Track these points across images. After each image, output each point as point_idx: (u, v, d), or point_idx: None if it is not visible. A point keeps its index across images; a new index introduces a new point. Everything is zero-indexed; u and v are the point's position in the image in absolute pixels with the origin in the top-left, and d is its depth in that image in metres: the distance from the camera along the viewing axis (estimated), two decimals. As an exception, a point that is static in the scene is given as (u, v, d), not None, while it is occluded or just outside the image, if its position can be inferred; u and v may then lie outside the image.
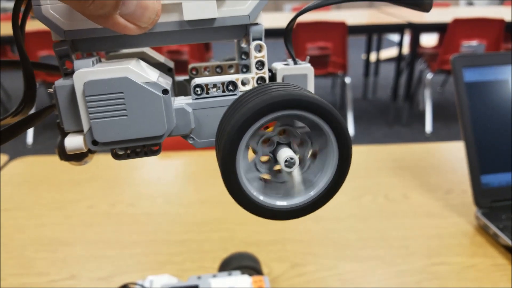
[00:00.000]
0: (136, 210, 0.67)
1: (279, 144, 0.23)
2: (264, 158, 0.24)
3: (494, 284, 0.50)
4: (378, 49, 3.58)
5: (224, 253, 0.52)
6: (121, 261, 0.55)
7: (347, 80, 2.66)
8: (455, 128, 2.72)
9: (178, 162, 0.84)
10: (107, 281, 0.52)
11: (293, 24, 0.24)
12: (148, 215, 0.65)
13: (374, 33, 3.35)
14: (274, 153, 0.23)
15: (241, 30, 0.25)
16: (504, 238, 0.54)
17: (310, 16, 2.51)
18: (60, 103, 0.22)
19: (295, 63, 0.25)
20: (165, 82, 0.23)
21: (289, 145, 0.23)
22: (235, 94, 0.24)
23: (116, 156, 0.24)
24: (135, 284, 0.42)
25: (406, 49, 2.99)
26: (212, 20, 0.23)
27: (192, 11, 0.23)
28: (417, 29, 2.61)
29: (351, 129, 2.70)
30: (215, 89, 0.24)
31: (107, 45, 0.24)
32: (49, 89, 0.23)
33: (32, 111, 0.24)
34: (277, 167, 0.24)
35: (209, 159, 0.80)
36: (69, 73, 0.23)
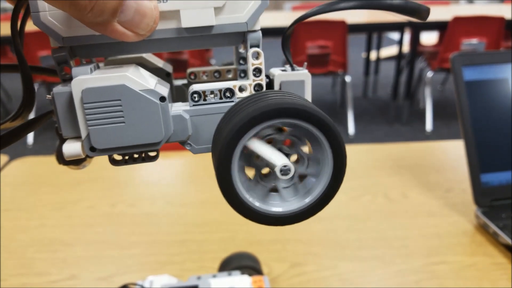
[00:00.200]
0: (136, 211, 0.67)
1: (279, 151, 0.23)
2: (265, 171, 0.24)
3: (493, 283, 0.50)
4: (378, 47, 3.58)
5: (224, 253, 0.52)
6: (121, 261, 0.55)
7: (347, 78, 2.66)
8: (455, 126, 2.72)
9: (179, 163, 0.84)
10: (107, 281, 0.52)
11: (291, 31, 0.25)
12: (148, 215, 0.65)
13: (374, 32, 3.35)
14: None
15: (239, 36, 0.25)
16: (504, 237, 0.54)
17: (310, 15, 2.51)
18: (58, 109, 0.23)
19: (293, 69, 0.25)
20: (163, 89, 0.23)
21: (280, 150, 0.23)
22: (232, 101, 0.24)
23: (114, 162, 0.24)
24: (135, 284, 0.43)
25: (406, 48, 2.98)
26: (210, 27, 0.23)
27: (190, 19, 0.23)
28: (417, 28, 2.61)
29: (351, 127, 2.70)
30: (212, 96, 0.24)
31: (106, 51, 0.24)
32: (48, 96, 0.23)
33: (32, 114, 0.24)
34: (265, 171, 0.24)
35: (209, 159, 0.79)
36: (68, 79, 0.23)
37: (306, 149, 0.24)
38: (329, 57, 2.47)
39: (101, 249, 0.58)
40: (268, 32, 1.94)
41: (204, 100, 0.24)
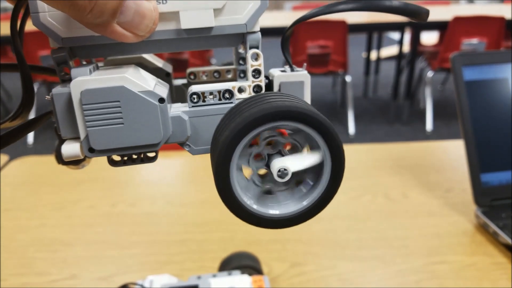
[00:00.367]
0: (136, 211, 0.67)
1: (270, 155, 0.23)
2: (262, 172, 0.24)
3: (493, 282, 0.50)
4: (379, 47, 3.58)
5: (224, 253, 0.52)
6: (122, 261, 0.55)
7: (348, 78, 2.65)
8: (455, 126, 2.72)
9: (179, 162, 0.84)
10: (107, 281, 0.52)
11: (290, 32, 0.25)
12: (149, 215, 0.65)
13: (374, 32, 3.35)
14: (268, 165, 0.23)
15: (238, 38, 0.25)
16: (504, 237, 0.54)
17: (310, 14, 2.51)
18: (57, 110, 0.23)
19: (292, 70, 0.25)
20: (162, 90, 0.23)
21: (280, 153, 0.23)
22: (232, 102, 0.24)
23: (113, 163, 0.24)
24: (135, 284, 0.43)
25: (406, 47, 2.98)
26: (209, 28, 0.23)
27: (189, 20, 0.23)
28: (417, 27, 2.61)
29: (351, 127, 2.70)
30: (211, 97, 0.24)
31: (105, 52, 0.24)
32: (47, 96, 0.23)
33: (32, 113, 0.24)
34: (262, 172, 0.24)
35: (210, 159, 0.80)
36: (67, 80, 0.23)
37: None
38: (329, 57, 2.47)
39: (101, 249, 0.58)
40: (268, 32, 1.95)
41: (203, 101, 0.24)
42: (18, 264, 0.55)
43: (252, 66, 0.24)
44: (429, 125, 2.68)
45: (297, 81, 0.25)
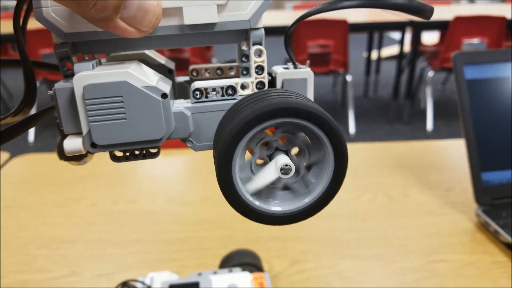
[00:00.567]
0: (137, 208, 0.67)
1: (277, 150, 0.23)
2: (260, 161, 0.24)
3: (494, 281, 0.50)
4: (379, 47, 3.57)
5: (225, 250, 0.52)
6: (122, 258, 0.56)
7: (348, 78, 2.65)
8: (456, 126, 2.72)
9: (180, 160, 0.84)
10: (108, 278, 0.52)
11: (293, 29, 0.25)
12: (150, 213, 0.65)
13: (375, 31, 3.34)
14: (271, 158, 0.23)
15: (242, 34, 0.25)
16: (504, 235, 0.54)
17: (311, 14, 2.50)
18: (59, 105, 0.23)
19: (295, 67, 0.25)
20: (165, 85, 0.23)
21: (286, 152, 0.23)
22: (234, 99, 0.24)
23: (115, 159, 0.24)
24: (135, 280, 0.43)
25: (407, 47, 2.98)
26: (213, 24, 0.23)
27: (193, 16, 0.23)
28: (418, 27, 2.60)
29: (352, 127, 2.70)
30: (214, 93, 0.24)
31: (108, 47, 0.24)
32: (49, 91, 0.23)
33: (33, 110, 0.25)
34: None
35: (211, 157, 0.79)
36: (70, 75, 0.23)
37: (303, 140, 0.24)
38: (330, 56, 2.47)
39: (102, 247, 0.58)
40: (269, 31, 1.95)
41: (206, 97, 0.24)
42: (19, 261, 0.55)
43: (255, 62, 0.24)
44: (429, 125, 2.68)
45: (300, 78, 0.25)
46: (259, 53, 0.24)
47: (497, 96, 0.61)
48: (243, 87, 0.24)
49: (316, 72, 2.51)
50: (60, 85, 0.22)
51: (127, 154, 0.24)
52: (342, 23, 2.38)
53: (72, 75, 0.22)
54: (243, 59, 0.26)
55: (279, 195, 0.24)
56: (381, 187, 0.70)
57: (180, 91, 0.32)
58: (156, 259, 0.55)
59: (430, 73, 2.66)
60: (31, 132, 2.64)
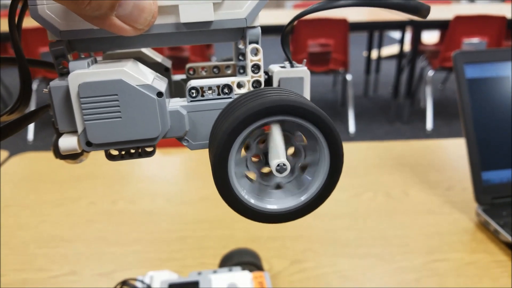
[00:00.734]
0: (136, 208, 0.67)
1: (266, 154, 0.23)
2: (255, 159, 0.24)
3: (494, 280, 0.50)
4: (379, 46, 3.57)
5: (225, 249, 0.52)
6: (122, 257, 0.55)
7: (348, 77, 2.65)
8: (455, 125, 2.72)
9: (179, 159, 0.84)
10: (107, 277, 0.52)
11: (290, 27, 0.24)
12: (149, 212, 0.65)
13: (375, 30, 3.34)
14: (266, 156, 0.23)
15: (238, 32, 0.25)
16: (504, 235, 0.54)
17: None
18: (55, 103, 0.22)
19: (292, 66, 0.25)
20: (160, 84, 0.23)
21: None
22: (230, 97, 0.24)
23: (110, 157, 0.24)
24: (135, 279, 0.43)
25: (407, 47, 2.98)
26: (209, 23, 0.23)
27: (189, 14, 0.23)
28: (418, 26, 2.60)
29: (352, 126, 2.70)
30: (210, 92, 0.24)
31: (104, 45, 0.24)
32: (44, 89, 0.23)
33: (32, 107, 0.24)
34: (265, 170, 0.24)
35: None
36: (65, 73, 0.23)
37: (300, 140, 0.24)
38: (330, 55, 2.46)
39: (101, 246, 0.58)
40: (269, 30, 1.95)
41: (202, 96, 0.24)
42: (19, 260, 0.55)
43: (251, 61, 0.24)
44: (429, 124, 2.68)
45: (297, 77, 0.25)
46: (255, 52, 0.24)
47: (498, 96, 0.61)
48: (239, 85, 0.24)
49: (316, 71, 2.52)
50: (55, 83, 0.22)
51: (123, 152, 0.24)
52: (342, 22, 2.38)
53: (68, 73, 0.22)
54: (240, 57, 0.26)
55: (274, 194, 0.24)
56: (381, 186, 0.70)
57: (177, 90, 0.32)
58: (155, 258, 0.55)
59: (430, 73, 2.66)
60: (30, 131, 2.64)
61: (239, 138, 0.21)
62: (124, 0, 0.19)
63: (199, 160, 0.82)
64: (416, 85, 2.96)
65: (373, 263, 0.53)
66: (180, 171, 0.81)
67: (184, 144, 0.25)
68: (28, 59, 0.25)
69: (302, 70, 0.25)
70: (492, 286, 0.49)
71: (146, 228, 0.61)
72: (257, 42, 0.24)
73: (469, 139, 0.60)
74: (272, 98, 0.21)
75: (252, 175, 0.24)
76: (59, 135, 0.23)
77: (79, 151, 0.23)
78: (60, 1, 0.19)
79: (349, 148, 0.86)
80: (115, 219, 0.64)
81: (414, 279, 0.51)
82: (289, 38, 0.25)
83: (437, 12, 2.76)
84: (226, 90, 0.24)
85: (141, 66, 0.24)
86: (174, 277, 0.43)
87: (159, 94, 0.22)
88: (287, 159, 0.23)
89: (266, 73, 0.25)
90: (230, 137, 0.21)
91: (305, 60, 0.26)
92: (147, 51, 0.30)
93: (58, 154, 0.27)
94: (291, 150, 0.24)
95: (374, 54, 3.53)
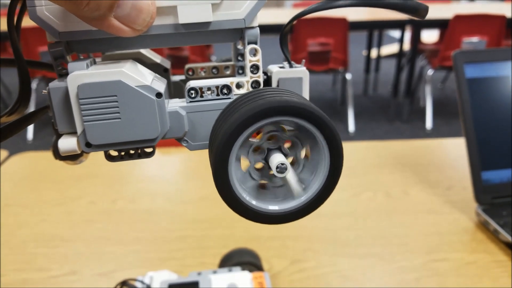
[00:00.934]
0: (136, 207, 0.67)
1: (270, 150, 0.23)
2: (259, 165, 0.24)
3: (494, 280, 0.50)
4: (379, 45, 3.57)
5: (224, 249, 0.52)
6: (122, 257, 0.55)
7: (348, 76, 2.65)
8: (455, 124, 2.72)
9: (179, 159, 0.84)
10: (107, 277, 0.52)
11: (288, 28, 0.25)
12: (148, 212, 0.65)
13: (375, 29, 3.34)
14: (266, 159, 0.23)
15: (237, 33, 0.25)
16: (504, 235, 0.54)
17: (310, 12, 2.50)
18: (54, 104, 0.22)
19: (291, 66, 0.25)
20: (160, 85, 0.23)
21: (280, 149, 0.23)
22: (229, 98, 0.24)
23: (110, 158, 0.24)
24: (135, 279, 0.43)
25: (407, 46, 2.98)
26: (207, 23, 0.23)
27: (187, 15, 0.23)
28: (418, 26, 2.60)
29: (351, 125, 2.70)
30: (209, 92, 0.24)
31: (102, 46, 0.24)
32: (44, 91, 0.23)
33: (31, 107, 0.24)
34: (271, 172, 0.24)
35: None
36: (64, 74, 0.23)
37: (303, 154, 0.24)
38: (330, 55, 2.46)
39: (101, 245, 0.58)
40: (269, 29, 1.94)
41: (201, 96, 0.24)
42: (18, 259, 0.55)
43: (250, 61, 0.24)
44: (429, 123, 2.68)
45: (296, 77, 0.25)
46: (254, 52, 0.24)
47: (498, 95, 0.61)
48: (238, 86, 0.24)
49: (315, 70, 2.51)
50: (54, 84, 0.22)
51: (122, 153, 0.24)
52: (342, 21, 2.38)
53: (67, 74, 0.22)
54: (239, 58, 0.26)
55: (275, 194, 0.24)
56: (381, 185, 0.70)
57: (176, 90, 0.32)
58: (155, 258, 0.55)
59: (430, 72, 2.66)
60: (30, 130, 2.64)
61: (240, 139, 0.21)
62: (122, 1, 0.19)
63: (199, 160, 0.82)
64: (416, 84, 2.96)
65: (373, 262, 0.53)
66: (180, 170, 0.81)
67: (184, 144, 0.25)
68: (27, 60, 0.25)
69: (301, 71, 0.25)
70: (492, 286, 0.49)
71: (146, 227, 0.61)
72: (255, 43, 0.24)
73: (469, 139, 0.60)
74: (272, 99, 0.21)
75: (246, 164, 0.24)
76: (59, 136, 0.23)
77: (79, 152, 0.23)
78: (59, 2, 0.19)
79: (348, 148, 0.86)
80: (115, 218, 0.64)
81: (414, 278, 0.51)
82: (287, 38, 0.25)
83: (437, 11, 2.76)
84: (225, 91, 0.24)
85: (140, 67, 0.24)
86: (174, 277, 0.43)
87: (158, 95, 0.22)
88: (286, 154, 0.23)
89: (265, 73, 0.25)
90: (230, 138, 0.21)
91: (304, 60, 0.26)
92: (146, 52, 0.30)
93: (58, 155, 0.27)
94: (289, 160, 0.24)
95: (374, 53, 3.53)
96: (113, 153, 0.24)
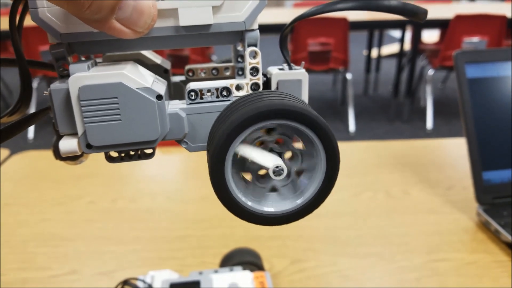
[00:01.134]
0: (137, 206, 0.67)
1: (271, 151, 0.23)
2: (262, 172, 0.24)
3: (494, 280, 0.50)
4: (380, 45, 3.57)
5: (225, 249, 0.52)
6: (122, 256, 0.55)
7: (348, 76, 2.65)
8: (455, 124, 2.72)
9: (179, 158, 0.84)
10: (108, 276, 0.52)
11: (288, 30, 0.25)
12: (149, 211, 0.65)
13: (375, 29, 3.34)
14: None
15: (237, 35, 0.25)
16: (505, 235, 0.54)
17: (311, 11, 2.50)
18: (55, 106, 0.23)
19: (290, 68, 0.25)
20: (160, 86, 0.23)
21: (280, 155, 0.24)
22: (229, 100, 0.24)
23: (110, 159, 0.24)
24: (136, 279, 0.43)
25: (407, 45, 2.98)
26: (208, 26, 0.23)
27: (188, 17, 0.23)
28: (418, 25, 2.60)
29: (352, 125, 2.69)
30: (209, 94, 0.24)
31: (103, 48, 0.24)
32: (45, 92, 0.23)
33: (32, 108, 0.24)
34: (261, 172, 0.24)
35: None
36: (66, 75, 0.23)
37: (298, 145, 0.24)
38: (330, 54, 2.46)
39: (102, 245, 0.58)
40: (269, 29, 1.94)
41: (201, 98, 0.24)
42: (19, 259, 0.55)
43: (250, 64, 0.24)
44: (429, 123, 2.68)
45: (295, 80, 0.25)
46: (254, 55, 0.24)
47: (499, 95, 0.61)
48: (238, 88, 0.25)
49: (316, 70, 2.51)
50: (56, 86, 0.22)
51: (122, 155, 0.25)
52: (343, 21, 2.38)
53: (68, 75, 0.22)
54: (239, 59, 0.26)
55: (271, 196, 0.24)
56: (381, 185, 0.70)
57: (176, 91, 0.32)
58: (156, 257, 0.55)
59: (430, 72, 2.66)
60: (31, 129, 2.64)
61: (236, 141, 0.21)
62: (123, 3, 0.19)
63: (200, 159, 0.82)
64: (416, 84, 2.96)
65: (373, 262, 0.53)
66: (180, 170, 0.81)
67: (183, 146, 0.25)
68: (28, 60, 0.25)
69: (300, 73, 0.25)
70: (492, 286, 0.49)
71: (146, 226, 0.61)
72: (255, 45, 0.24)
73: (470, 139, 0.60)
74: (269, 102, 0.21)
75: (249, 177, 0.24)
76: (59, 137, 0.23)
77: (79, 153, 0.23)
78: (60, 4, 0.19)
79: (349, 147, 0.86)
80: (115, 218, 0.64)
81: (414, 278, 0.51)
82: (287, 41, 0.25)
83: (437, 11, 2.76)
84: (225, 93, 0.24)
85: (141, 69, 0.24)
86: (175, 277, 0.43)
87: (159, 97, 0.22)
88: (284, 163, 0.23)
89: (264, 75, 0.26)
90: (227, 141, 0.21)
91: (303, 62, 0.26)
92: (147, 52, 0.30)
93: (58, 156, 0.27)
94: (288, 154, 0.24)
95: (374, 53, 3.53)
96: (113, 154, 0.25)
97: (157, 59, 0.31)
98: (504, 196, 0.60)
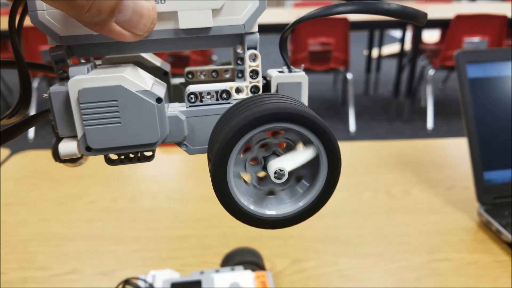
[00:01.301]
0: (137, 206, 0.67)
1: (266, 157, 0.23)
2: (252, 162, 0.24)
3: (495, 280, 0.50)
4: (380, 45, 3.57)
5: (226, 248, 0.52)
6: (123, 256, 0.55)
7: (349, 76, 2.65)
8: (456, 124, 2.72)
9: (179, 158, 0.84)
10: (109, 276, 0.52)
11: (288, 33, 0.25)
12: (149, 211, 0.65)
13: (376, 29, 3.34)
14: (265, 160, 0.23)
15: (237, 38, 0.25)
16: (506, 235, 0.54)
17: (312, 11, 2.50)
18: (54, 108, 0.23)
19: (290, 70, 0.25)
20: (159, 89, 0.23)
21: (275, 153, 0.24)
22: (229, 103, 0.24)
23: (110, 162, 0.25)
24: (137, 278, 0.43)
25: (408, 45, 2.98)
26: (208, 29, 0.23)
27: (188, 20, 0.23)
28: (419, 26, 2.60)
29: (352, 125, 2.69)
30: (209, 97, 0.24)
31: (103, 51, 0.24)
32: (44, 94, 0.23)
33: (32, 109, 0.24)
34: (261, 174, 0.24)
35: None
36: (65, 78, 0.23)
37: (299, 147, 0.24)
38: (331, 54, 2.46)
39: (102, 244, 0.58)
40: (270, 29, 1.94)
41: (201, 101, 0.24)
42: (19, 258, 0.55)
43: (250, 66, 0.24)
44: (429, 123, 2.68)
45: (295, 82, 0.25)
46: (253, 58, 0.24)
47: (500, 95, 0.61)
48: (238, 91, 0.25)
49: (316, 70, 2.51)
50: (55, 88, 0.22)
51: (122, 157, 0.25)
52: (343, 21, 2.38)
53: (68, 78, 0.22)
54: (238, 62, 0.26)
55: (273, 199, 0.24)
56: (381, 185, 0.70)
57: (176, 93, 0.32)
58: (157, 257, 0.55)
59: (431, 72, 2.66)
60: (31, 129, 2.64)
61: (238, 145, 0.21)
62: (123, 6, 0.19)
63: (200, 159, 0.82)
64: (417, 84, 2.96)
65: (374, 262, 0.53)
66: (181, 169, 0.81)
67: (183, 149, 0.25)
68: (28, 62, 0.25)
69: (299, 75, 0.25)
70: (493, 286, 0.49)
71: (147, 226, 0.61)
72: (255, 48, 0.24)
73: (471, 139, 0.60)
74: (270, 106, 0.21)
75: (249, 179, 0.24)
76: (59, 139, 0.23)
77: (79, 156, 0.23)
78: (60, 7, 0.19)
79: (349, 147, 0.86)
80: (116, 217, 0.64)
81: (414, 278, 0.51)
82: (287, 43, 0.25)
83: (438, 11, 2.76)
84: (224, 96, 0.24)
85: (141, 71, 0.24)
86: (176, 276, 0.43)
87: (158, 100, 0.22)
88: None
89: (264, 77, 0.26)
90: (229, 145, 0.21)
91: (303, 65, 0.26)
92: (146, 55, 0.30)
93: (58, 158, 0.27)
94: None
95: (375, 53, 3.53)
96: (113, 157, 0.25)
97: (156, 61, 0.31)
98: (505, 196, 0.60)
